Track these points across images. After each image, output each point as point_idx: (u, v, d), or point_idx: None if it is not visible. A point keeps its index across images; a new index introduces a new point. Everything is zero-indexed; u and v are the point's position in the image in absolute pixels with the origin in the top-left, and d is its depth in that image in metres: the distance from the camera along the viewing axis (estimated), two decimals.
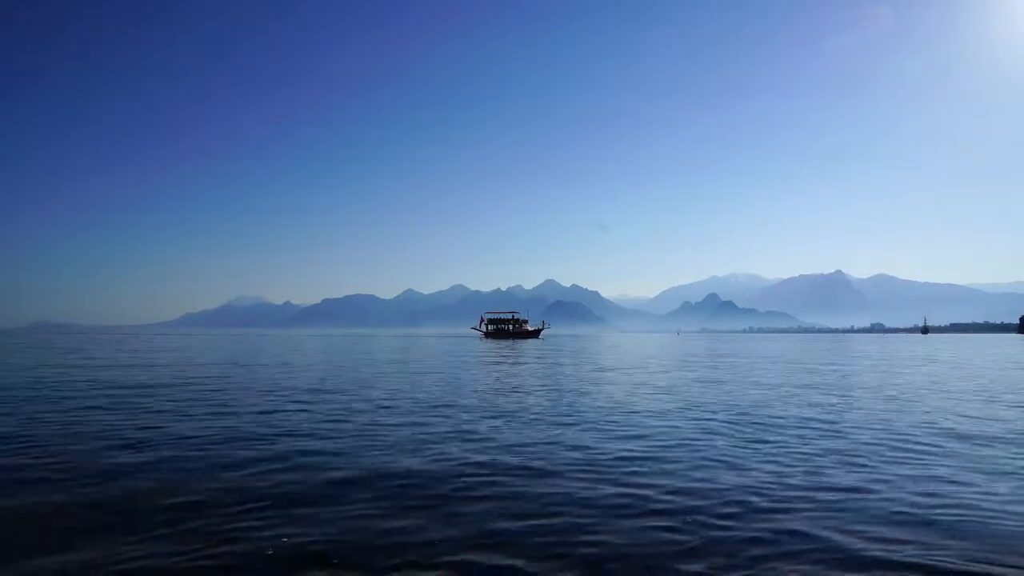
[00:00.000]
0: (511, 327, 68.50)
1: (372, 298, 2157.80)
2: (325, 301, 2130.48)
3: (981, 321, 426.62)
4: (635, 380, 14.07)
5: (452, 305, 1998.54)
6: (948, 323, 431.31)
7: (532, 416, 8.20)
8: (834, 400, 10.17)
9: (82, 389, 11.29)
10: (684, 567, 3.16)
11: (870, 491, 4.51)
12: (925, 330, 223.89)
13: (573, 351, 33.52)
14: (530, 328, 69.90)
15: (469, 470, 5.12)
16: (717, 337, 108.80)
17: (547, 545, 3.43)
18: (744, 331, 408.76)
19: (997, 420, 8.07)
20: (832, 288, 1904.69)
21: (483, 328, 70.28)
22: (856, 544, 3.46)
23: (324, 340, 58.45)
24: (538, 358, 24.61)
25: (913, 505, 4.19)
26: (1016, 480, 4.93)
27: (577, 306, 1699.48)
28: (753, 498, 4.31)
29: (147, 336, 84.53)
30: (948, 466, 5.36)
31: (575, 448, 6.02)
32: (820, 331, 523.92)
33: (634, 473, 5.05)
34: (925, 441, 6.50)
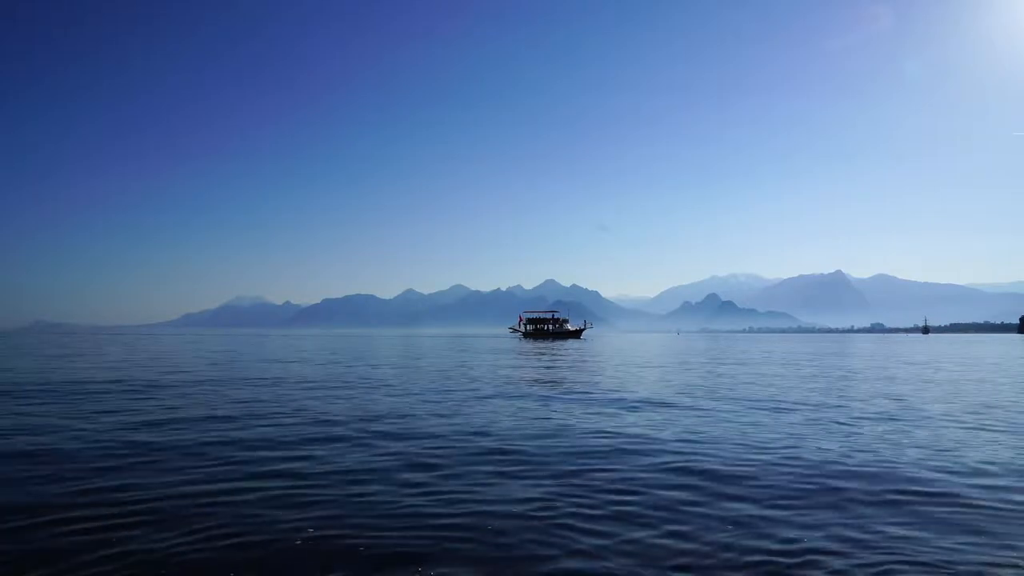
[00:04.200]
0: (551, 327, 66.75)
1: (372, 298, 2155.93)
2: (325, 301, 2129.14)
3: (981, 321, 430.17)
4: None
5: (452, 305, 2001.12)
6: (948, 323, 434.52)
7: None
8: None
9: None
10: None
11: None
12: (926, 330, 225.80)
13: (678, 352, 33.35)
14: (571, 328, 67.59)
15: None
16: (727, 338, 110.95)
17: None
18: (744, 331, 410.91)
19: None
20: (832, 288, 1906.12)
21: (522, 328, 68.88)
22: None
23: (364, 341, 56.93)
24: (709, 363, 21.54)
25: None
26: None
27: (577, 306, 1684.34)
28: None
29: (180, 336, 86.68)
30: None
31: None
32: (820, 331, 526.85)
33: None
34: None
